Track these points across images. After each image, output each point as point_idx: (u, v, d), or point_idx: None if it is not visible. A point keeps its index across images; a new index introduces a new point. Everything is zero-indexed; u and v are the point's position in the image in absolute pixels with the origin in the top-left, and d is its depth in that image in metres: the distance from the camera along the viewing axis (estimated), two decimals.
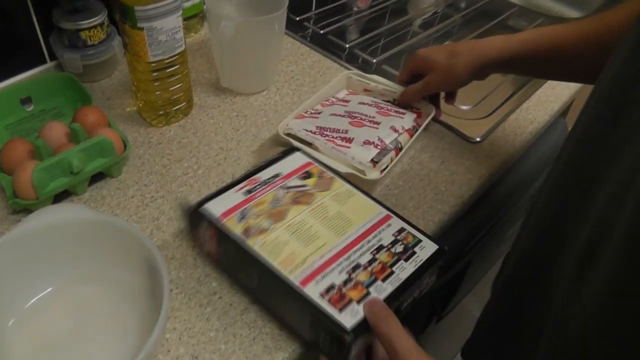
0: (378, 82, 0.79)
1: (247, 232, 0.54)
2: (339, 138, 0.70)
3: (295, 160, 0.64)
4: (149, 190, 0.67)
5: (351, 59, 0.93)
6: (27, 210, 0.62)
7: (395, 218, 0.59)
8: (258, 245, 0.53)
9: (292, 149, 0.66)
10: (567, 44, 0.64)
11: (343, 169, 0.66)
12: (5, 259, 0.51)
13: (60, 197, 0.64)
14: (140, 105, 0.74)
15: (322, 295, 0.50)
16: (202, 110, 0.78)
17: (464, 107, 0.84)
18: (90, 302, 0.55)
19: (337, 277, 0.52)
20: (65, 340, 0.53)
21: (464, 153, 0.76)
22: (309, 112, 0.75)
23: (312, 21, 1.02)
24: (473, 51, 0.70)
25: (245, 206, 0.57)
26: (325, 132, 0.70)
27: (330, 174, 0.63)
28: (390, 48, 0.97)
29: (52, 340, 0.53)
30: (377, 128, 0.71)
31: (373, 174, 0.67)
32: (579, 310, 0.41)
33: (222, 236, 0.55)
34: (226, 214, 0.56)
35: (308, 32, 0.99)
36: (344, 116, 0.73)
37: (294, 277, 0.51)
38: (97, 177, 0.66)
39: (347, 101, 0.77)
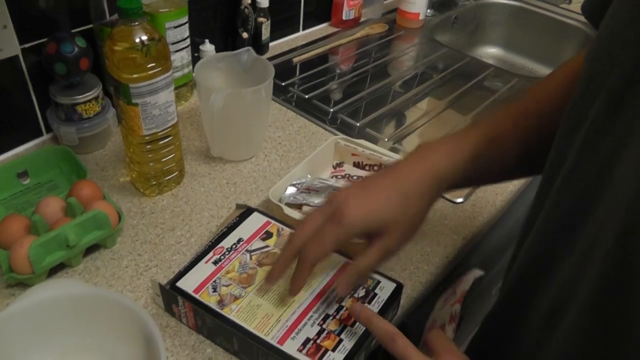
0: (365, 147, 0.82)
1: (221, 302, 0.59)
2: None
3: (253, 222, 0.68)
4: (142, 259, 0.68)
5: (335, 123, 0.97)
6: (22, 284, 0.63)
7: None
8: (234, 313, 0.57)
9: (248, 211, 0.70)
10: (503, 136, 0.58)
11: None
12: (3, 334, 0.52)
13: (55, 269, 0.65)
14: (134, 175, 0.77)
15: (299, 350, 0.54)
16: (194, 179, 0.81)
17: None
18: None
19: (310, 330, 0.56)
20: None
21: (448, 214, 0.79)
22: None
23: (296, 86, 1.06)
24: (424, 174, 0.55)
25: (216, 277, 0.61)
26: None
27: (288, 230, 0.67)
28: (373, 111, 1.01)
29: None
30: None
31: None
32: None
33: (199, 309, 0.58)
34: (199, 287, 0.60)
35: (293, 96, 1.04)
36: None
37: (272, 338, 0.55)
38: (92, 248, 0.68)
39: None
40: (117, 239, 0.70)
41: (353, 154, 0.83)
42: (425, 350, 0.50)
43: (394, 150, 0.88)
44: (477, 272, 0.73)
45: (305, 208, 0.74)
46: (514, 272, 0.53)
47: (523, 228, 0.53)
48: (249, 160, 0.86)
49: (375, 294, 0.61)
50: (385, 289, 0.61)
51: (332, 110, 1.00)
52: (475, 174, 0.59)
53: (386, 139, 0.93)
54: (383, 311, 0.59)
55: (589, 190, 0.41)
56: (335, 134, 0.91)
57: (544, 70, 1.48)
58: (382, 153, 0.81)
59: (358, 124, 0.97)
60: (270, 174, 0.83)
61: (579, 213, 0.42)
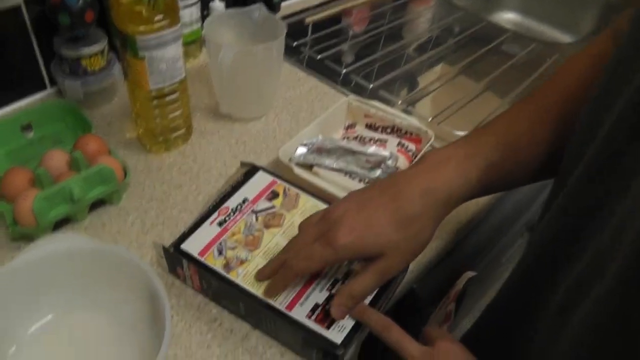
0: (378, 107, 0.80)
1: (227, 265, 0.56)
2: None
3: (259, 181, 0.66)
4: (149, 216, 0.67)
5: (347, 84, 0.94)
6: (27, 237, 0.62)
7: None
8: (240, 277, 0.55)
9: (254, 169, 0.68)
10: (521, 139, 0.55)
11: (342, 193, 0.67)
12: (7, 287, 0.52)
13: (60, 223, 0.64)
14: (140, 131, 0.75)
15: (308, 316, 0.53)
16: (202, 137, 0.79)
17: (460, 133, 0.86)
18: (91, 329, 0.55)
19: (318, 295, 0.55)
20: None
21: None
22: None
23: (308, 46, 1.04)
24: (428, 193, 0.51)
25: (221, 239, 0.59)
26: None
27: (295, 190, 0.65)
28: (386, 73, 0.98)
29: None
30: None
31: None
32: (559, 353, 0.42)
33: (204, 272, 0.56)
34: (204, 250, 0.58)
35: (304, 57, 1.01)
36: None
37: (279, 303, 0.54)
38: (98, 203, 0.66)
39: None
40: (123, 195, 0.69)
41: (366, 115, 0.81)
42: (422, 343, 0.49)
43: (406, 112, 0.86)
44: (469, 274, 0.73)
45: (315, 169, 0.72)
46: (530, 254, 0.52)
47: (541, 212, 0.51)
48: (258, 120, 0.83)
49: None
50: None
51: (344, 71, 0.97)
52: (492, 184, 0.55)
53: (399, 102, 0.91)
54: None
55: (614, 179, 0.39)
56: (347, 96, 0.89)
57: (562, 37, 1.43)
58: (395, 115, 0.79)
59: (370, 86, 0.94)
60: (280, 133, 0.81)
61: (600, 203, 0.40)
